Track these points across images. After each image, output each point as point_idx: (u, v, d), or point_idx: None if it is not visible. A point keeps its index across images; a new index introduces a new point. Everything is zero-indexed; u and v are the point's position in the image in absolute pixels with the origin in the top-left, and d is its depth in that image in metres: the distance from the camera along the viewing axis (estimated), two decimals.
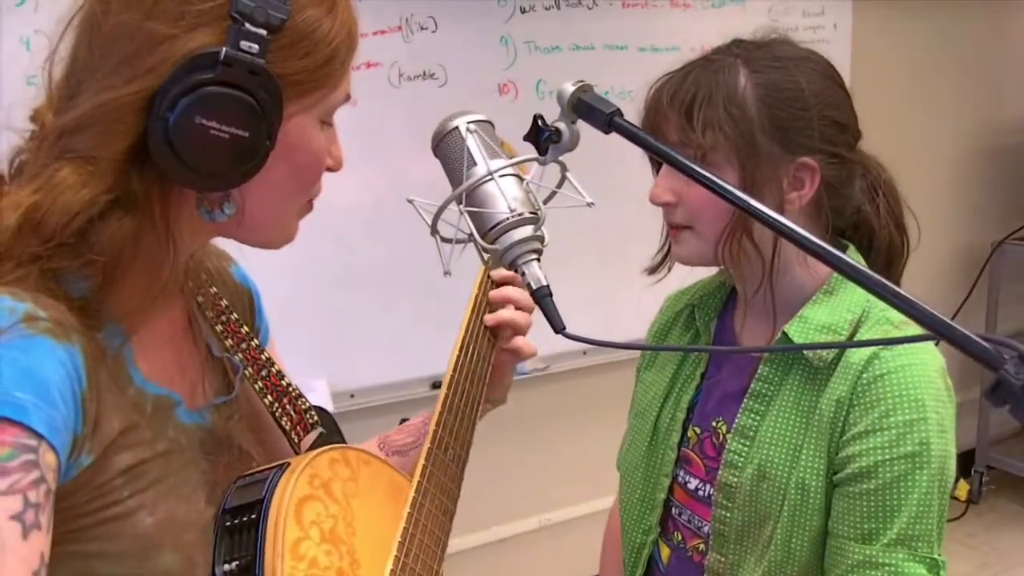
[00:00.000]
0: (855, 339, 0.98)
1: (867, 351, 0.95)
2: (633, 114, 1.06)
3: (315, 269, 2.11)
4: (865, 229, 1.06)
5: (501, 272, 1.02)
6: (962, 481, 3.27)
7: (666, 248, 1.10)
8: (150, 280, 0.73)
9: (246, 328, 0.91)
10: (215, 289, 0.90)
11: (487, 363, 0.99)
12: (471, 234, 0.79)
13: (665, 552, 1.13)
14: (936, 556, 0.92)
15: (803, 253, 1.01)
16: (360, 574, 0.78)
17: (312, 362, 2.12)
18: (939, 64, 3.09)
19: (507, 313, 1.00)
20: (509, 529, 2.57)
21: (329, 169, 0.80)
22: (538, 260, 0.78)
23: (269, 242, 0.80)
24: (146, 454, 0.72)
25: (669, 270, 1.11)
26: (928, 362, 0.95)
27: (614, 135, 0.75)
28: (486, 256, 0.80)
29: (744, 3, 2.62)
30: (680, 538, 1.11)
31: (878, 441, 0.92)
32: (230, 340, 0.88)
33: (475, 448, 0.94)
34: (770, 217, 0.66)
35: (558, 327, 0.74)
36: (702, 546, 1.07)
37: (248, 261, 0.93)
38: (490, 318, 0.99)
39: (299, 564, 0.73)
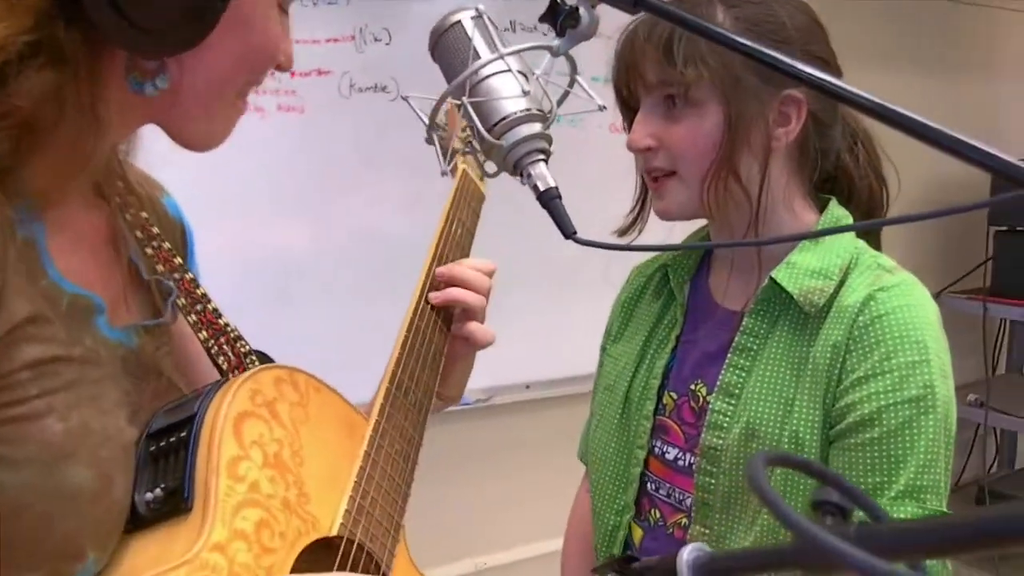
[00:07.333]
0: (848, 285, 0.91)
1: (861, 295, 0.89)
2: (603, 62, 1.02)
3: (258, 274, 2.01)
4: (844, 180, 1.01)
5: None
6: None
7: (638, 207, 1.04)
8: (71, 155, 0.64)
9: (179, 259, 0.81)
10: (145, 214, 0.80)
11: (449, 311, 0.91)
12: (474, 126, 0.71)
13: (638, 534, 1.03)
14: (946, 511, 0.85)
15: (788, 197, 0.96)
16: (310, 510, 0.67)
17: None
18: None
19: (459, 291, 0.90)
20: (440, 574, 2.39)
21: (280, 68, 0.72)
22: (545, 161, 0.72)
23: (197, 134, 0.70)
24: (59, 351, 0.62)
25: (640, 232, 1.05)
26: (926, 305, 0.89)
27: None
28: (488, 155, 0.74)
29: None
30: (658, 516, 1.01)
31: (880, 386, 0.85)
32: (161, 266, 0.78)
33: None
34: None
35: (568, 231, 0.67)
36: (684, 520, 0.98)
37: None
38: (437, 297, 0.89)
39: (237, 485, 0.62)
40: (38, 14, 0.59)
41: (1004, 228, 3.02)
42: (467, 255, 0.96)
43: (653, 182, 0.97)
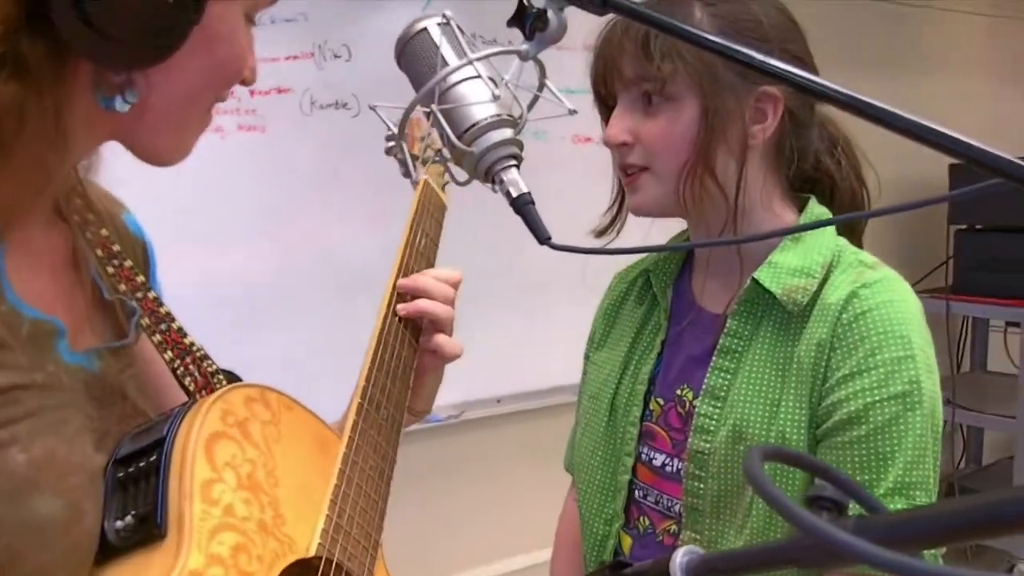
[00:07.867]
0: (830, 283, 0.90)
1: (844, 292, 0.88)
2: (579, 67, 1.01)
3: (222, 295, 1.97)
4: (826, 182, 1.01)
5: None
6: None
7: (616, 207, 1.03)
8: (33, 171, 0.61)
9: (142, 278, 0.78)
10: (106, 232, 0.77)
11: (417, 324, 0.88)
12: (444, 134, 0.70)
13: (627, 543, 1.01)
14: None
15: (766, 197, 0.96)
16: (286, 531, 0.64)
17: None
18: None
19: (425, 303, 0.87)
20: None
21: (243, 82, 0.69)
22: (517, 167, 0.71)
23: (162, 149, 0.68)
24: (20, 379, 0.59)
25: (618, 233, 1.04)
26: (909, 300, 0.89)
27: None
28: (458, 163, 0.72)
29: None
30: (647, 523, 0.99)
31: (865, 383, 0.85)
32: (124, 286, 0.75)
33: None
34: None
35: (543, 237, 0.66)
36: (674, 527, 0.96)
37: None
38: (404, 309, 0.87)
39: (212, 509, 0.59)
40: (4, 25, 0.56)
41: (963, 227, 3.06)
42: (432, 266, 0.94)
43: (627, 178, 0.96)
